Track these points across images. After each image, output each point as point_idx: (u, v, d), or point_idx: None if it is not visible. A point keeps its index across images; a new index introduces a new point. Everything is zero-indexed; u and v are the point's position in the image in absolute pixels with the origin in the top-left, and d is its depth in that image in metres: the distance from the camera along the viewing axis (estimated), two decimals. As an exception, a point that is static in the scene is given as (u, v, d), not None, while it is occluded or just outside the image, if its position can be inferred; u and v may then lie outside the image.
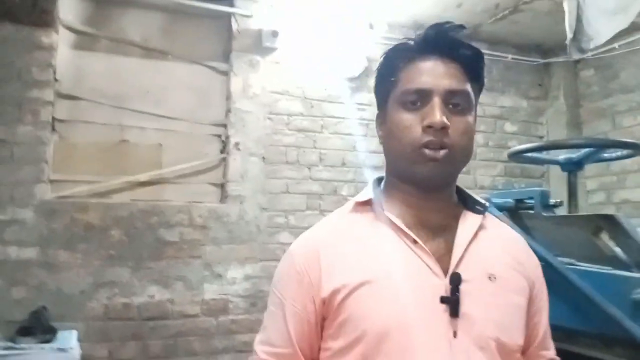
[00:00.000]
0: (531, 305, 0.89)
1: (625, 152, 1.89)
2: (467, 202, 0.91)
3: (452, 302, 0.78)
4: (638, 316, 1.43)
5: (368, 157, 3.49)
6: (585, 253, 1.75)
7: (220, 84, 3.29)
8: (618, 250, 1.65)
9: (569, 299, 1.63)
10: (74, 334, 2.58)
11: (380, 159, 3.56)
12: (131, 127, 3.08)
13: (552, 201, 1.94)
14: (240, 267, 3.11)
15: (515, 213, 2.02)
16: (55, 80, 2.89)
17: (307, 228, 3.45)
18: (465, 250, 0.83)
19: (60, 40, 2.94)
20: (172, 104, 3.17)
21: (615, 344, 1.57)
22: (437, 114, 0.81)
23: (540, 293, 0.92)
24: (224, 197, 3.18)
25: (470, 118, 0.86)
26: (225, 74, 3.28)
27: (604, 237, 1.70)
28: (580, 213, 2.08)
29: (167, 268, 2.95)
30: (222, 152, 3.24)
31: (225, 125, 3.23)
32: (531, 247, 1.78)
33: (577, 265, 1.67)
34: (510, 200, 2.00)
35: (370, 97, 3.55)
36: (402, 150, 0.84)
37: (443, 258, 0.82)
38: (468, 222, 0.87)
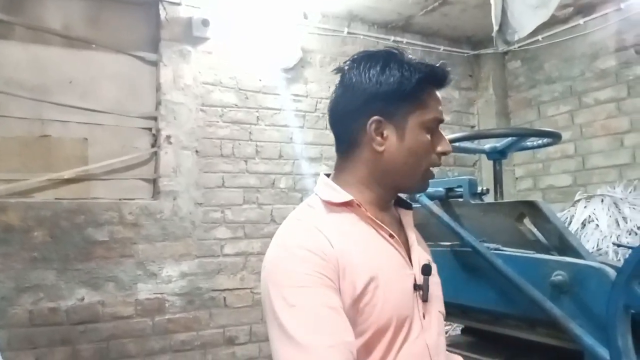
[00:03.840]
0: None
1: (544, 140, 1.98)
2: (398, 200, 1.03)
3: (424, 289, 0.92)
4: (556, 297, 1.49)
5: (305, 149, 3.48)
6: (509, 238, 1.80)
7: (149, 74, 3.16)
8: (539, 234, 1.72)
9: (495, 283, 1.68)
10: (-6, 344, 2.41)
11: (318, 151, 3.49)
12: (53, 121, 2.90)
13: (479, 189, 1.99)
14: (176, 265, 3.01)
15: (446, 201, 2.06)
16: (-35, 71, 2.67)
17: (245, 222, 3.35)
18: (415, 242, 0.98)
19: (-31, 28, 2.72)
20: (98, 95, 3.01)
21: (538, 325, 1.63)
22: (449, 144, 0.95)
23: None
24: (156, 192, 3.06)
25: None
26: (154, 64, 3.15)
27: (527, 222, 1.76)
28: (506, 200, 2.15)
29: (96, 269, 2.81)
30: (152, 145, 3.11)
31: (155, 118, 3.11)
32: (460, 234, 1.83)
33: (502, 251, 1.72)
34: (440, 189, 2.04)
35: (306, 89, 3.54)
36: (417, 167, 0.93)
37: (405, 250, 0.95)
38: (407, 218, 1.01)
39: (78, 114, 2.94)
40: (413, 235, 0.98)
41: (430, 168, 0.95)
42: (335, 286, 0.81)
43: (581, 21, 3.59)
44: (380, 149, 0.92)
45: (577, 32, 3.64)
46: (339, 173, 0.97)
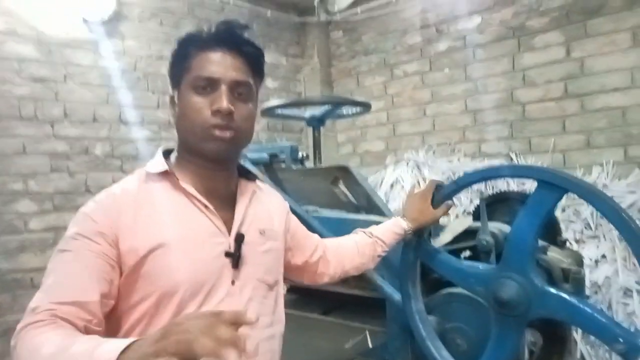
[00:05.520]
0: (293, 238, 1.17)
1: (357, 109, 2.13)
2: (242, 172, 1.08)
3: (234, 257, 0.96)
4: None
5: (124, 111, 3.22)
6: (326, 200, 1.93)
7: None
8: (351, 196, 1.87)
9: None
10: None
11: (139, 114, 3.30)
12: None
13: (300, 155, 2.08)
14: (-35, 245, 2.60)
15: (270, 167, 2.11)
16: None
17: (54, 193, 3.04)
18: (245, 213, 1.01)
19: None
20: None
21: (350, 279, 1.79)
22: (224, 101, 0.94)
23: (293, 223, 1.19)
24: None
25: (251, 105, 1.01)
26: None
27: (341, 185, 1.89)
28: (324, 165, 2.28)
29: None
30: None
31: None
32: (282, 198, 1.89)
33: (318, 213, 1.83)
34: (264, 155, 2.08)
35: (123, 45, 3.25)
36: (192, 129, 0.96)
37: (228, 220, 0.98)
38: (245, 189, 1.05)
39: None
40: (242, 206, 1.02)
41: (212, 128, 0.95)
42: (104, 250, 0.87)
43: (394, -2, 3.89)
44: (175, 119, 1.01)
45: (391, 8, 3.94)
46: None
